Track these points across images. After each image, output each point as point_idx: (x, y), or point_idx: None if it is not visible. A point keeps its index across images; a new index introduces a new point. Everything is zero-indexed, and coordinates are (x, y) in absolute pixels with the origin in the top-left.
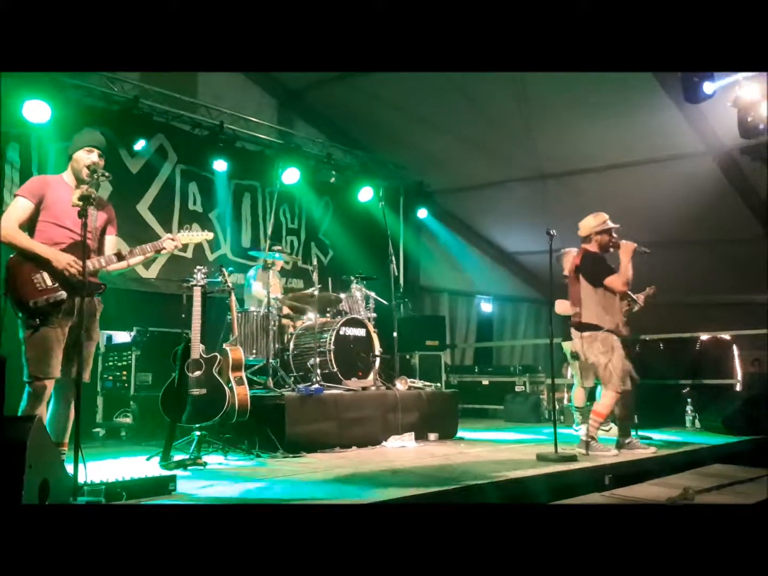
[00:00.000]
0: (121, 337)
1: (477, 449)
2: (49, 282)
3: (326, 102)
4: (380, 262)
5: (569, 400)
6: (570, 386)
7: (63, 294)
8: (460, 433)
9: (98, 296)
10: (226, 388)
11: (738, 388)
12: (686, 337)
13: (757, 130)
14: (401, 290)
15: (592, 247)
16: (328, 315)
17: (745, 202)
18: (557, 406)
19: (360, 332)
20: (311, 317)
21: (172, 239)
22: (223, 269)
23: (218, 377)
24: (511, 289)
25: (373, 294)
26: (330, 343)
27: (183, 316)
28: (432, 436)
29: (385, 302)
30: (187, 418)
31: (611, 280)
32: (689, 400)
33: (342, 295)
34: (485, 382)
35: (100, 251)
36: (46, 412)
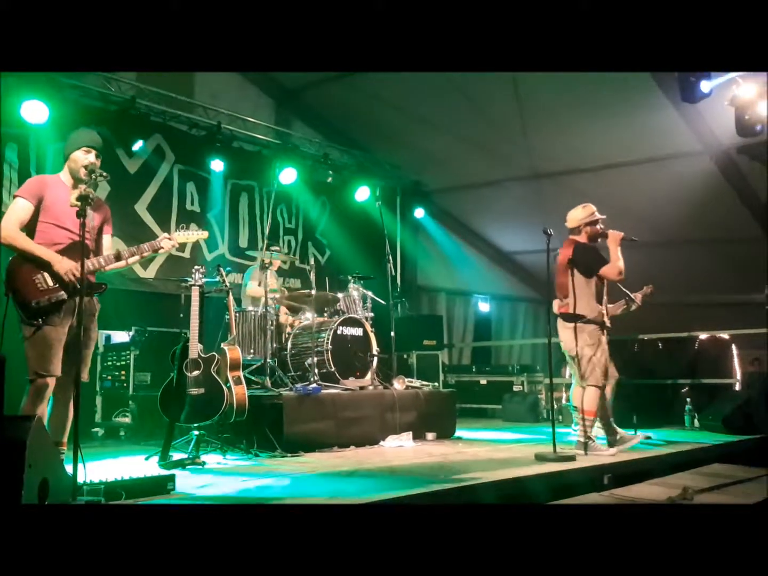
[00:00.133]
0: (120, 336)
1: (475, 449)
2: (50, 282)
3: (323, 102)
4: (377, 262)
5: (567, 400)
6: (568, 386)
7: (64, 294)
8: (458, 433)
9: (96, 296)
10: (224, 387)
11: (737, 387)
12: (685, 337)
13: (754, 128)
14: (398, 290)
15: (582, 238)
16: (325, 314)
17: (743, 202)
18: (555, 406)
19: (357, 332)
20: (309, 317)
21: (169, 238)
22: (221, 269)
23: (216, 377)
24: (509, 289)
25: (370, 293)
26: (327, 343)
27: (181, 315)
28: (430, 435)
29: (382, 302)
30: (185, 417)
31: (606, 271)
32: (688, 399)
33: (339, 295)
34: (483, 381)
35: (97, 251)
36: (46, 412)
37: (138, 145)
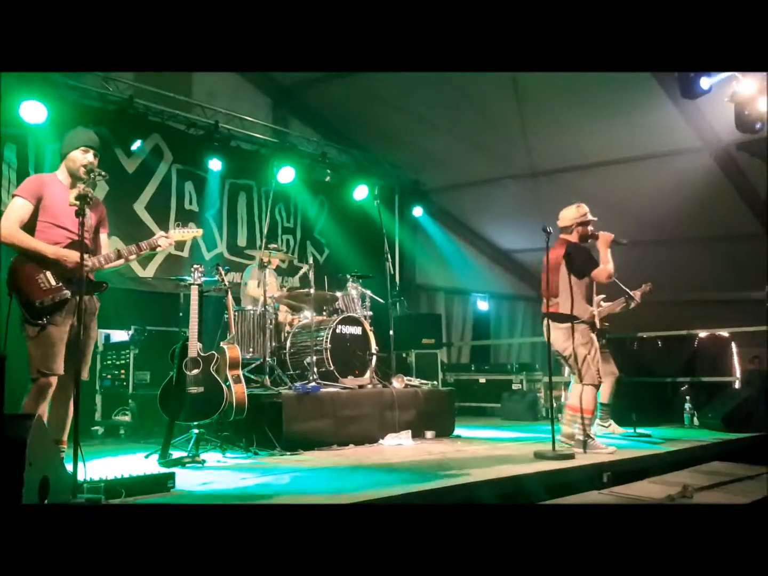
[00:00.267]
0: (119, 335)
1: (474, 447)
2: (53, 281)
3: (321, 100)
4: (376, 261)
5: (566, 398)
6: (567, 384)
7: (67, 293)
8: (457, 431)
9: (96, 294)
10: (223, 386)
11: (737, 385)
12: (685, 335)
13: (754, 125)
14: (397, 288)
15: (573, 237)
16: (324, 313)
17: (742, 198)
18: (554, 404)
19: (356, 330)
20: (308, 316)
21: (166, 237)
22: (220, 268)
23: (216, 375)
24: (508, 287)
25: (369, 292)
26: (326, 342)
27: (180, 314)
28: (429, 434)
29: (381, 300)
30: (185, 416)
31: (597, 273)
32: (688, 397)
33: (338, 294)
34: (482, 380)
35: (96, 250)
36: (46, 410)
37: (136, 145)
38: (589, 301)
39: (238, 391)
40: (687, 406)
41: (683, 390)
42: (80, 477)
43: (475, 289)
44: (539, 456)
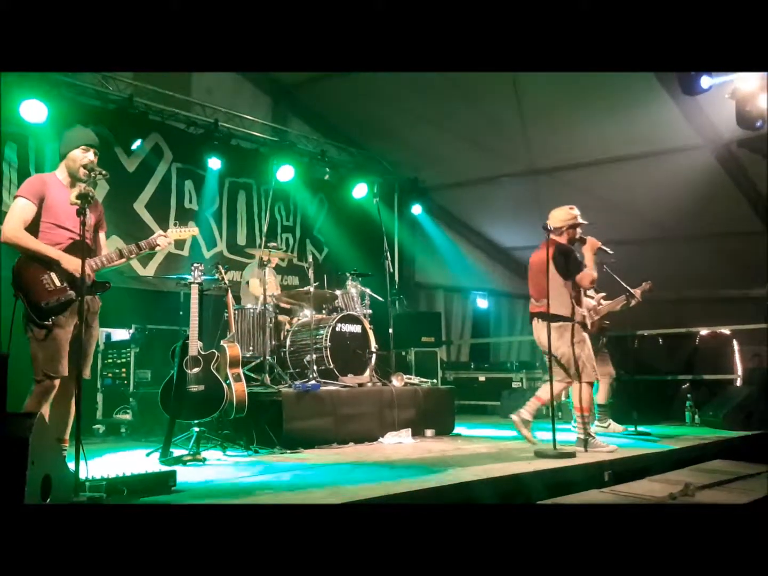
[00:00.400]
0: (120, 334)
1: (474, 445)
2: (57, 282)
3: (320, 99)
4: (375, 259)
5: (567, 397)
6: None
7: (72, 294)
8: (456, 430)
9: (98, 294)
10: (224, 384)
11: (738, 383)
12: (685, 333)
13: (755, 121)
14: (396, 287)
15: (562, 239)
16: (323, 312)
17: (744, 195)
18: (555, 403)
19: (356, 329)
20: (307, 314)
21: (165, 236)
22: (220, 266)
23: (216, 374)
24: (507, 285)
25: (368, 290)
26: (326, 340)
27: (181, 313)
28: (429, 432)
29: (380, 299)
30: (185, 414)
31: (581, 277)
32: (689, 395)
33: (337, 292)
34: (482, 378)
35: (97, 249)
36: (48, 409)
37: (136, 144)
38: (578, 302)
39: (238, 389)
40: (688, 404)
41: (684, 388)
42: (82, 475)
43: (475, 287)
44: (540, 455)
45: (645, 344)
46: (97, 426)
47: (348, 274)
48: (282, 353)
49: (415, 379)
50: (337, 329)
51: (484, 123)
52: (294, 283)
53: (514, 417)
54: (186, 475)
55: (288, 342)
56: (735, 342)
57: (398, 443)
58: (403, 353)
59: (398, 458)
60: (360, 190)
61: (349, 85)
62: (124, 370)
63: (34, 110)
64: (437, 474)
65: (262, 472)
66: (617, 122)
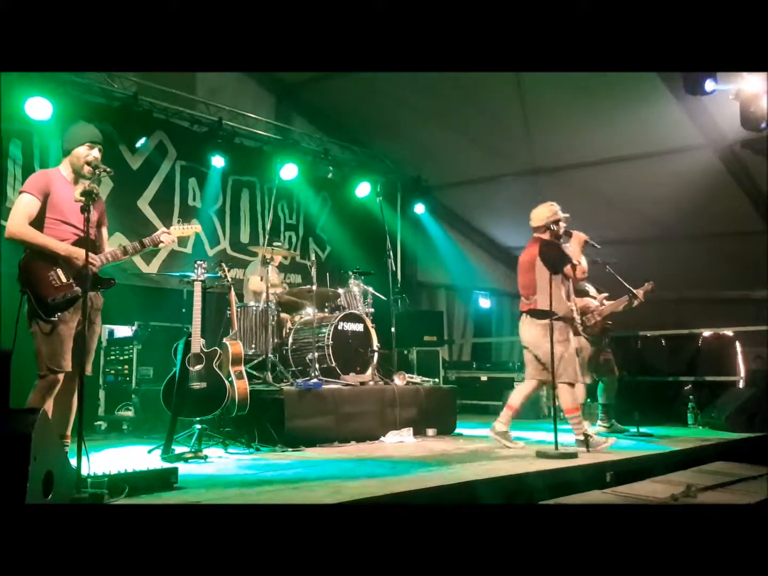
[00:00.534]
0: (123, 331)
1: (475, 445)
2: (63, 279)
3: (323, 98)
4: (378, 258)
5: None
6: None
7: (78, 290)
8: (458, 429)
9: (101, 290)
10: (226, 382)
11: (741, 385)
12: (688, 334)
13: (759, 122)
14: (399, 285)
15: (546, 236)
16: (326, 310)
17: (746, 196)
18: (557, 402)
19: (358, 327)
20: (309, 312)
21: (168, 233)
22: (223, 264)
23: (218, 371)
24: (510, 285)
25: (370, 289)
26: (328, 338)
27: (183, 310)
28: (430, 431)
29: (383, 297)
30: (187, 411)
31: (570, 269)
32: (691, 396)
33: (340, 291)
34: (484, 378)
35: (101, 246)
36: (51, 405)
37: (140, 142)
38: (566, 298)
39: (240, 387)
40: (690, 405)
41: (686, 389)
42: (84, 472)
43: (477, 286)
44: (541, 455)
45: (647, 345)
46: (99, 422)
47: (350, 273)
48: (284, 351)
49: (417, 378)
50: (340, 328)
51: (487, 122)
52: (296, 281)
53: (491, 434)
54: (188, 472)
55: (290, 340)
56: (737, 344)
57: (400, 442)
58: (405, 352)
59: (400, 457)
60: (363, 189)
61: (352, 84)
62: (126, 366)
63: (39, 107)
64: (439, 473)
65: (264, 470)
66: (620, 122)
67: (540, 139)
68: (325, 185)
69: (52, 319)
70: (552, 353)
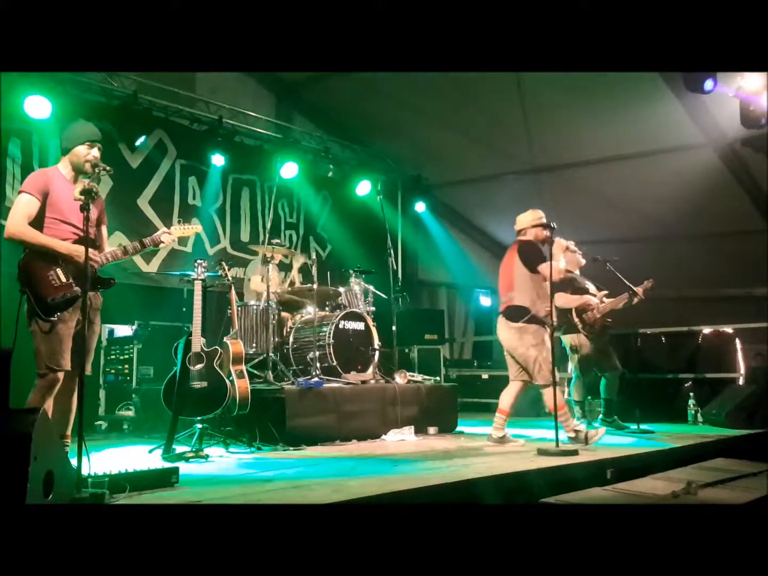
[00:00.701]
0: (123, 330)
1: (477, 443)
2: (63, 278)
3: (324, 96)
4: (378, 256)
5: (569, 394)
6: (569, 380)
7: (78, 290)
8: (459, 427)
9: (101, 290)
10: (227, 381)
11: (741, 381)
12: (688, 331)
13: (759, 120)
14: (399, 284)
15: (527, 239)
16: (327, 309)
17: (746, 194)
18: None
19: (359, 326)
20: (310, 311)
21: (169, 233)
22: (223, 263)
23: (219, 370)
24: None
25: (371, 288)
26: (329, 337)
27: (184, 309)
28: (431, 429)
29: (383, 296)
30: (188, 410)
31: (544, 267)
32: (691, 393)
33: (341, 289)
34: (485, 376)
35: (101, 245)
36: (51, 405)
37: (140, 140)
38: (543, 297)
39: (241, 386)
40: (691, 402)
41: (687, 386)
42: (84, 472)
43: (478, 284)
44: (542, 452)
45: (648, 342)
46: (99, 422)
47: (351, 271)
48: (285, 350)
49: (418, 377)
50: (341, 326)
51: (487, 121)
52: (293, 280)
53: (488, 441)
54: (189, 472)
55: (291, 339)
56: (738, 341)
57: (401, 440)
58: (406, 350)
59: (401, 456)
60: (363, 188)
61: (352, 83)
62: (126, 366)
63: (38, 106)
64: (440, 471)
65: (265, 469)
66: (621, 120)
67: (540, 139)
68: (325, 184)
69: (51, 318)
70: (553, 351)
